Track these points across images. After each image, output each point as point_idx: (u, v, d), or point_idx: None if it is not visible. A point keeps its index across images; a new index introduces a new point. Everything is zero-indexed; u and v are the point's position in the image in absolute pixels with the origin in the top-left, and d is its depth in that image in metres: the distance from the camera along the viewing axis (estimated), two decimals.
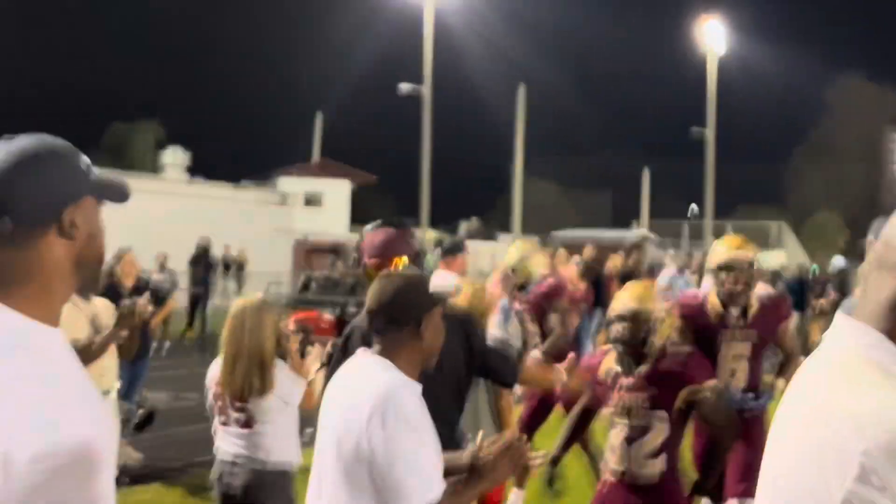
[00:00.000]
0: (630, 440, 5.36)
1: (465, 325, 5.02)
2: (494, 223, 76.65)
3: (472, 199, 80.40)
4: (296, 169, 50.53)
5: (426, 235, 52.01)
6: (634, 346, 5.41)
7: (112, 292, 9.39)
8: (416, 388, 3.47)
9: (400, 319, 3.53)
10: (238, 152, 72.91)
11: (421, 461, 3.28)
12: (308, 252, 21.51)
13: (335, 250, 22.32)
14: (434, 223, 52.39)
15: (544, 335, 9.09)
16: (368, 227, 5.05)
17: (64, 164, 2.09)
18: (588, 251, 18.30)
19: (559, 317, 9.20)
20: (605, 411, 5.60)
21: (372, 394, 3.37)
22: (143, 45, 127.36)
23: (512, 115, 52.49)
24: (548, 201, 77.34)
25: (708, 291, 6.86)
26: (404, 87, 47.10)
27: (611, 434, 5.50)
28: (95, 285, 2.29)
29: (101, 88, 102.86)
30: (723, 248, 6.68)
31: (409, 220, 66.72)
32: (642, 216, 62.70)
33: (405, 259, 4.89)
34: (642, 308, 5.42)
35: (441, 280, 8.15)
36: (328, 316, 20.42)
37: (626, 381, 5.45)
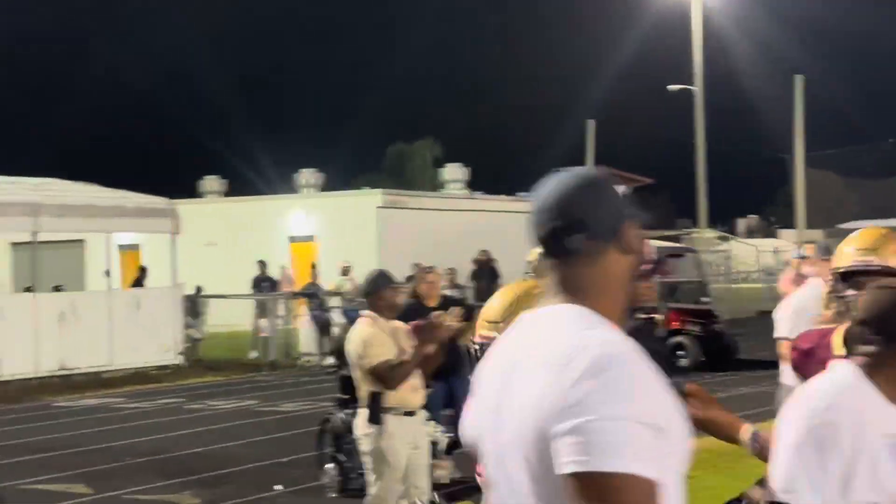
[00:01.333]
0: None
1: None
2: (774, 218, 74.54)
3: (749, 195, 78.42)
4: None
5: (704, 234, 51.13)
6: None
7: (413, 313, 9.35)
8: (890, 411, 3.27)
9: (888, 334, 3.32)
10: (511, 164, 73.60)
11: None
12: None
13: None
14: (710, 221, 51.41)
15: None
16: None
17: (616, 189, 2.36)
18: None
19: None
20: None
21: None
22: (414, 68, 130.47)
23: (786, 107, 50.95)
24: (830, 193, 74.58)
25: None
26: (674, 87, 46.53)
27: None
28: (636, 303, 2.46)
29: (381, 111, 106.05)
30: (848, 249, 4.44)
31: (686, 220, 65.41)
32: None
33: None
34: None
35: (814, 287, 7.65)
36: None
37: None
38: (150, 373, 21.09)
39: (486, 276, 24.41)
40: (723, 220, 69.32)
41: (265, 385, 19.50)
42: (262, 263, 25.08)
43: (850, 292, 4.26)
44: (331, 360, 22.31)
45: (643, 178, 54.49)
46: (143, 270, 26.25)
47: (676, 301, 19.84)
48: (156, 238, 25.33)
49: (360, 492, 10.51)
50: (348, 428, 10.05)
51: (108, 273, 22.30)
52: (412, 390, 7.67)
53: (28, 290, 22.82)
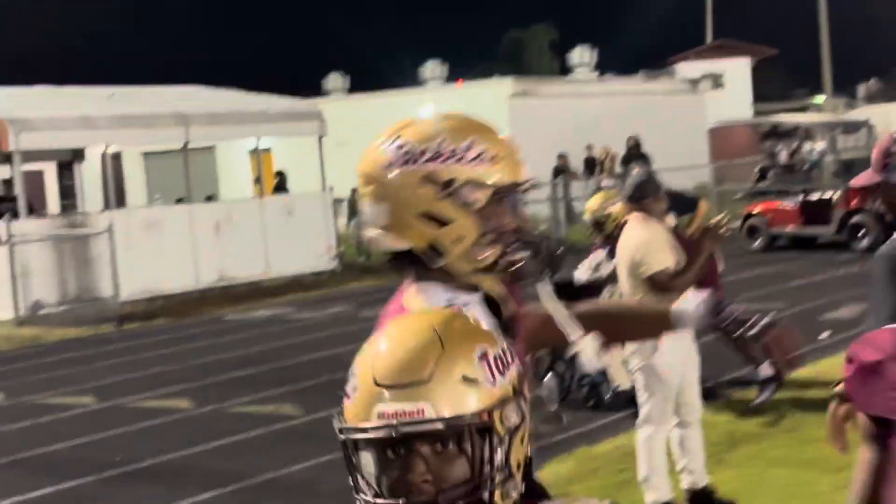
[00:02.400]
0: None
1: None
2: None
3: (872, 60, 75.85)
4: (693, 53, 49.14)
5: (827, 104, 49.51)
6: None
7: None
8: None
9: None
10: (631, 42, 71.96)
11: None
12: (761, 138, 20.42)
13: (782, 132, 21.27)
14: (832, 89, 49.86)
15: None
16: None
17: None
18: None
19: None
20: None
21: None
22: None
23: None
24: None
25: None
26: None
27: None
28: None
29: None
30: None
31: (804, 90, 63.48)
32: None
33: None
34: None
35: None
36: (789, 205, 19.59)
37: None
38: (307, 280, 20.86)
39: (638, 161, 23.68)
40: (844, 87, 67.16)
41: None
42: None
43: None
44: None
45: (768, 49, 52.87)
46: (280, 175, 25.85)
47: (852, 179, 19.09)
48: (286, 141, 24.98)
49: (582, 403, 10.11)
50: None
51: (258, 180, 22.08)
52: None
53: (180, 201, 22.68)
